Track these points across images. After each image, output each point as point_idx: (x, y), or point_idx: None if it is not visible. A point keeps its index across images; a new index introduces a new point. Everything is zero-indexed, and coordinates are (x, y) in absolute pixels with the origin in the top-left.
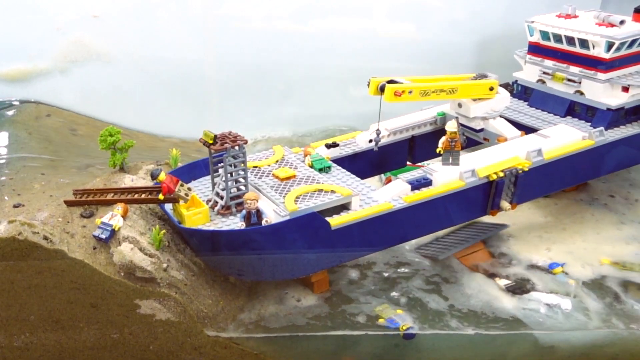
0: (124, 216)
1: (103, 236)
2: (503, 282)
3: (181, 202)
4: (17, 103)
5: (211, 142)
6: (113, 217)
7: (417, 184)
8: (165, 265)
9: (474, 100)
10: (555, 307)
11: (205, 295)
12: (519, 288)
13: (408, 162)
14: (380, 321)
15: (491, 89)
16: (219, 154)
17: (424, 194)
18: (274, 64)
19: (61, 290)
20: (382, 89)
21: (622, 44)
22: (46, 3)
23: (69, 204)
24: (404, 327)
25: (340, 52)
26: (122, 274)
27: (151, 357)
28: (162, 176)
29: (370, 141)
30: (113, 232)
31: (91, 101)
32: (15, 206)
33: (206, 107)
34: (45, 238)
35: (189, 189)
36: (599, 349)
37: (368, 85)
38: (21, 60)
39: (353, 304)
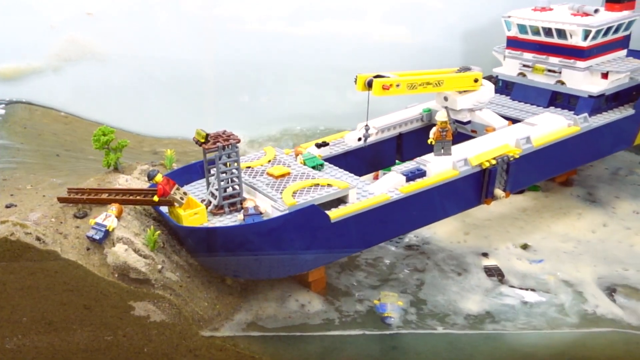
0: (119, 217)
1: (97, 237)
2: (485, 263)
3: (176, 205)
4: (9, 103)
5: (203, 140)
6: (107, 217)
7: (412, 175)
8: (160, 266)
9: (460, 92)
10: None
11: (201, 298)
12: (498, 272)
13: (397, 161)
14: (375, 302)
15: (476, 80)
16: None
17: (420, 184)
18: (269, 65)
19: (54, 292)
20: (369, 84)
21: (598, 31)
22: (40, 1)
23: (62, 200)
24: (385, 315)
25: (334, 54)
26: (116, 275)
27: (145, 359)
28: (159, 178)
29: (360, 139)
30: (107, 233)
31: (85, 101)
32: (7, 206)
33: (201, 107)
34: (38, 239)
35: (185, 193)
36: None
37: (355, 81)
38: (14, 59)
39: (350, 304)
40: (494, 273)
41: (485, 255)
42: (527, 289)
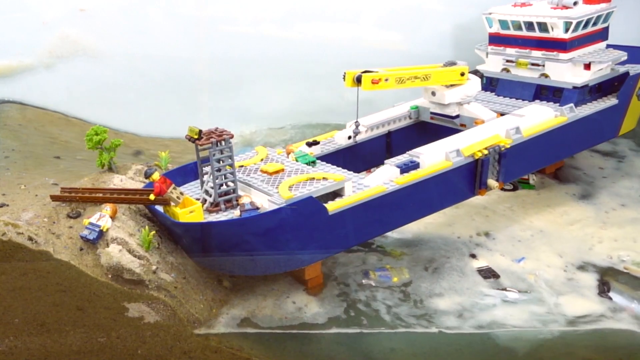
0: (113, 217)
1: (91, 237)
2: (476, 265)
3: (172, 204)
4: (0, 102)
5: (196, 137)
6: (101, 217)
7: (406, 167)
8: (154, 267)
9: (447, 87)
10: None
11: (196, 299)
12: (490, 272)
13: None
14: (387, 267)
15: (462, 74)
16: (206, 154)
17: (414, 175)
18: (262, 66)
19: (46, 293)
20: (358, 80)
21: (579, 23)
22: None
23: (55, 199)
24: (369, 271)
25: (327, 56)
26: (110, 276)
27: None
28: (156, 176)
29: (349, 137)
30: (101, 233)
31: (77, 99)
32: None
33: (194, 106)
34: (30, 239)
35: (181, 193)
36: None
37: (344, 78)
38: (5, 56)
39: (348, 302)
40: (489, 275)
41: (473, 256)
42: (507, 289)
